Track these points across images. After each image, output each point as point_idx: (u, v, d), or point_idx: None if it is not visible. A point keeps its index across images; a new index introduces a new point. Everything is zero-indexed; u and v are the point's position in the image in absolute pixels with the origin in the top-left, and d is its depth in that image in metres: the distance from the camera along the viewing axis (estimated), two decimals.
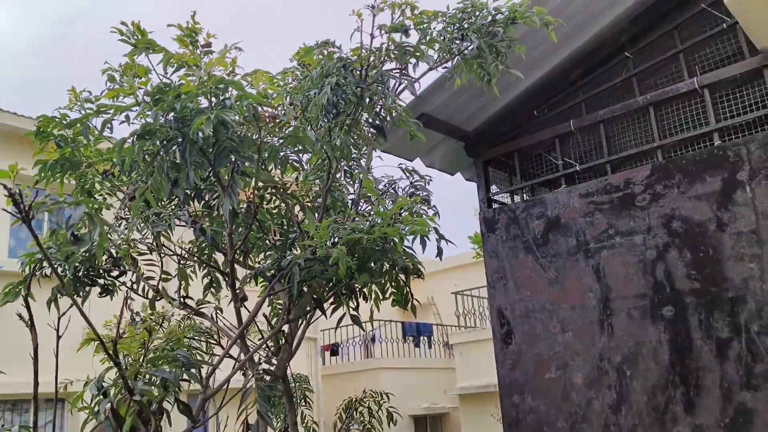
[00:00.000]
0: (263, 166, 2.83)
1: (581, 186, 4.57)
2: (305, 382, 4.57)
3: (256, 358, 3.13)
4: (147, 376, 2.40)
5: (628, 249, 4.29)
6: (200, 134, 2.47)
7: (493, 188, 5.27)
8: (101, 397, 2.38)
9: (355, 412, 4.88)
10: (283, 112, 2.91)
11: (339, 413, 5.00)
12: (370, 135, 3.37)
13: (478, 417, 16.10)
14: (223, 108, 2.45)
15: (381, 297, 3.69)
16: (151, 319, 2.87)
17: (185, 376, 2.52)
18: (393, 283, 3.60)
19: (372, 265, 2.88)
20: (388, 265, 3.11)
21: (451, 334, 17.54)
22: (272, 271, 2.99)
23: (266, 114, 2.73)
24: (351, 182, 3.89)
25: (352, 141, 3.05)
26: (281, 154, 3.06)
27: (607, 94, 4.67)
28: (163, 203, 2.98)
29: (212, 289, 3.48)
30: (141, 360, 2.48)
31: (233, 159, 2.63)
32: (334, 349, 18.13)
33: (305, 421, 4.56)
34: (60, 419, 15.33)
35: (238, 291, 3.06)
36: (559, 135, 4.82)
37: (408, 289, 3.75)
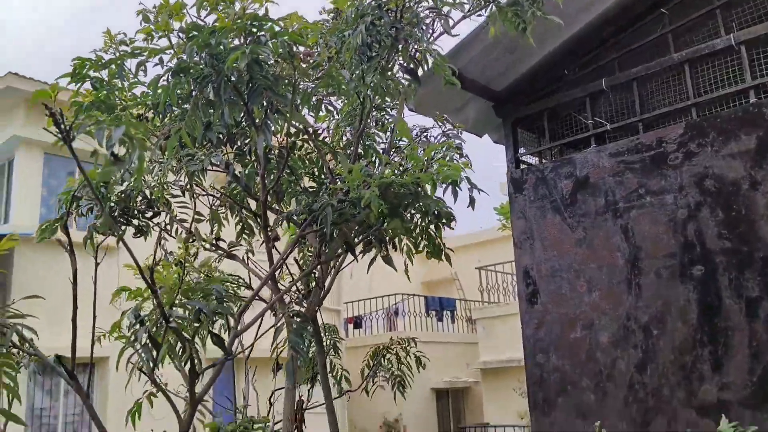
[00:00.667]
0: (297, 107, 2.85)
1: (611, 146, 4.52)
2: (334, 331, 4.61)
3: (286, 301, 3.18)
4: (182, 310, 2.44)
5: (659, 209, 4.23)
6: (234, 72, 2.49)
7: (521, 150, 5.23)
8: (138, 325, 2.43)
9: (383, 359, 4.92)
10: (317, 51, 2.90)
11: (366, 360, 5.05)
12: (403, 81, 3.35)
13: (500, 391, 16.16)
14: (258, 44, 2.46)
15: (413, 250, 3.66)
16: (184, 258, 2.91)
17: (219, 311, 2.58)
18: (424, 235, 3.58)
19: (403, 210, 2.87)
20: (419, 214, 3.09)
21: (474, 309, 17.56)
22: (304, 216, 3.01)
23: (301, 53, 2.73)
24: (382, 132, 3.89)
25: (386, 84, 3.04)
26: (314, 97, 3.06)
27: (641, 51, 4.58)
28: (197, 145, 3.01)
29: (245, 234, 3.51)
30: (176, 292, 2.53)
31: (267, 97, 2.63)
32: (357, 322, 18.26)
33: (335, 369, 4.61)
34: (90, 384, 15.65)
35: (270, 232, 3.09)
36: (590, 94, 4.75)
37: (440, 240, 3.73)
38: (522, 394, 16.45)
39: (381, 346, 5.11)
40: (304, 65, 2.74)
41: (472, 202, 3.41)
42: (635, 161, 4.36)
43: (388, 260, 3.28)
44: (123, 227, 3.37)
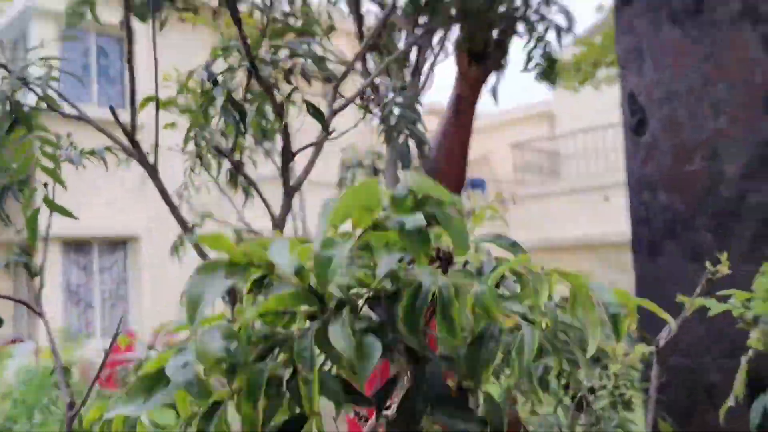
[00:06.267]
0: None
1: None
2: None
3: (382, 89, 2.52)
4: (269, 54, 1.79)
5: None
6: None
7: None
8: (212, 85, 1.78)
9: None
10: None
11: None
12: None
13: None
14: None
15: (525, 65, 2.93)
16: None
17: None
18: (540, 43, 2.83)
19: None
20: None
21: (506, 188, 17.03)
22: None
23: None
24: None
25: None
26: None
27: None
28: None
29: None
30: (261, 35, 1.88)
31: None
32: None
33: None
34: (122, 261, 15.59)
35: None
36: None
37: (557, 54, 2.99)
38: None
39: None
40: None
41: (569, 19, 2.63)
42: None
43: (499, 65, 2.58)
44: (165, 6, 2.65)
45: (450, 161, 2.74)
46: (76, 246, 14.71)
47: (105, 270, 15.47)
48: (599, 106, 13.04)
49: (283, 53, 1.99)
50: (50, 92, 1.97)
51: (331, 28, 2.88)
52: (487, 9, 2.40)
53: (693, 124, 3.85)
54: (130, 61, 1.70)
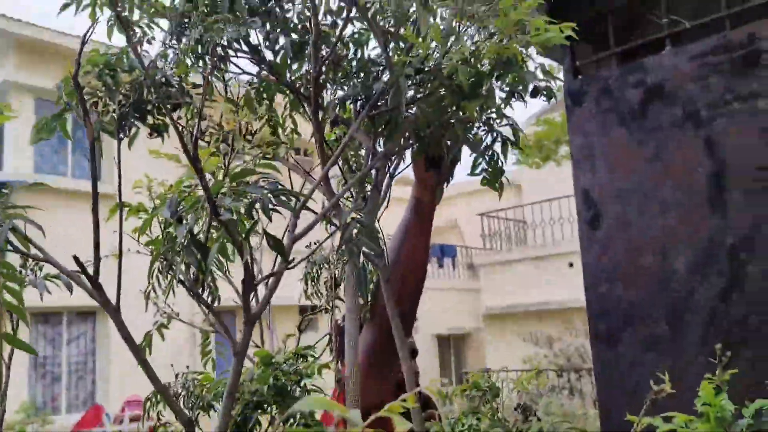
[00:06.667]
0: None
1: (691, 46, 3.95)
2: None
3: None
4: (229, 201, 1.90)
5: (750, 116, 3.71)
6: None
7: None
8: (176, 222, 1.89)
9: None
10: None
11: None
12: None
13: (502, 336, 15.97)
14: None
15: (472, 171, 3.10)
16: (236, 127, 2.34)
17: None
18: (488, 153, 3.00)
19: (488, 85, 2.30)
20: (505, 93, 2.51)
21: (476, 255, 17.24)
22: (361, 97, 2.44)
23: None
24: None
25: None
26: None
27: None
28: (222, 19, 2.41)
29: (284, 132, 2.93)
30: (223, 176, 1.99)
31: None
32: None
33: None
34: (91, 332, 15.26)
35: (326, 118, 2.52)
36: None
37: (503, 163, 3.16)
38: (525, 339, 16.29)
39: None
40: None
41: (549, 94, 2.82)
42: (722, 62, 3.80)
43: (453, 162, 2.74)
44: (134, 124, 2.76)
45: (411, 266, 2.84)
46: (45, 317, 14.44)
47: (72, 341, 15.17)
48: (563, 175, 13.42)
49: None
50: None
51: (294, 133, 3.02)
52: (440, 135, 2.56)
53: (643, 222, 4.05)
54: (95, 209, 1.80)
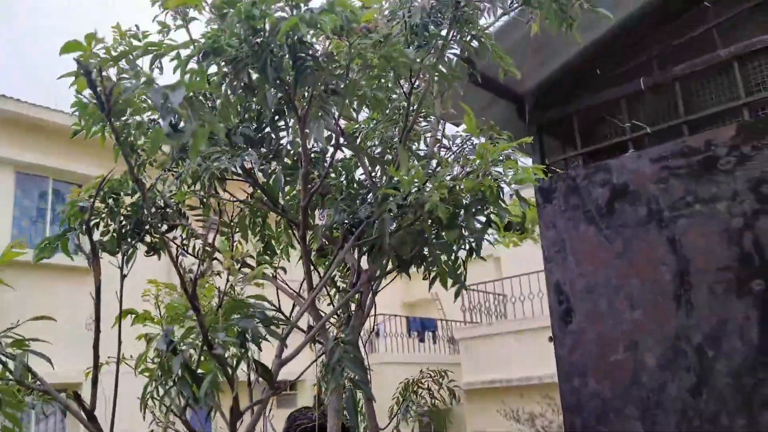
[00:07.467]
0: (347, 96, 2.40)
1: (653, 150, 4.17)
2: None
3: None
4: (222, 333, 1.96)
5: (710, 218, 3.88)
6: (277, 47, 2.04)
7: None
8: (170, 354, 1.95)
9: (414, 395, 4.47)
10: (379, 24, 2.46)
11: (396, 397, 4.59)
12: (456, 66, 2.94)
13: (483, 412, 15.74)
14: (312, 15, 2.01)
15: (428, 275, 3.24)
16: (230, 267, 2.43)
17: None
18: (451, 260, 3.15)
19: (465, 218, 2.46)
20: (481, 220, 2.66)
21: (456, 330, 17.15)
22: (347, 224, 2.57)
23: (360, 27, 2.29)
24: (415, 138, 3.44)
25: (445, 66, 2.63)
26: (363, 90, 2.61)
27: (683, 48, 4.27)
28: (219, 149, 2.54)
29: (266, 254, 3.02)
30: (217, 312, 2.06)
31: (317, 79, 2.18)
32: None
33: (359, 403, 4.13)
34: (60, 412, 14.85)
35: (313, 240, 2.63)
36: (625, 95, 4.41)
37: (464, 267, 3.31)
38: (506, 415, 16.07)
39: (411, 380, 4.66)
40: (365, 40, 2.29)
41: (523, 221, 3.01)
42: (681, 166, 4.01)
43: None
44: (133, 244, 2.85)
45: None
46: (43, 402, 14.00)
47: (42, 420, 14.72)
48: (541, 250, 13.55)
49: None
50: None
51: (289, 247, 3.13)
52: (420, 257, 2.69)
53: (613, 316, 4.16)
54: (96, 345, 1.86)
